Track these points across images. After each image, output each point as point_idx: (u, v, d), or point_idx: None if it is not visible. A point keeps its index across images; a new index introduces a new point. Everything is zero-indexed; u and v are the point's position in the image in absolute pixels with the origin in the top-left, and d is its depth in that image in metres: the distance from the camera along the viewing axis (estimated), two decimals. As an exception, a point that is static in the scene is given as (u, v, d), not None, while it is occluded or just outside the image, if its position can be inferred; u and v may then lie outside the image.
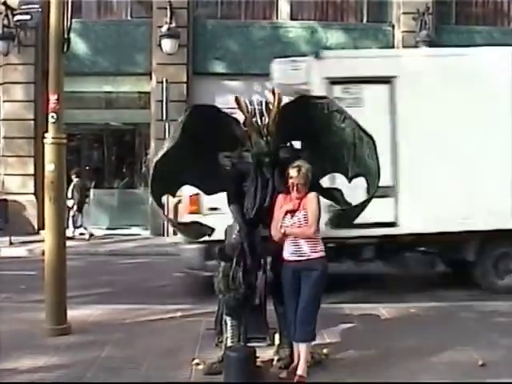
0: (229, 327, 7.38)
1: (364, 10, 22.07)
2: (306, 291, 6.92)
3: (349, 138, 7.41)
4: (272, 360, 7.38)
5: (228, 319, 7.40)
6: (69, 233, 19.19)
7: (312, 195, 7.06)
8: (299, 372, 6.83)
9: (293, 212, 7.04)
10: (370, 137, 7.28)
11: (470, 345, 8.12)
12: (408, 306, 10.30)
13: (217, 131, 7.33)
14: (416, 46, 20.33)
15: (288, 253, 7.07)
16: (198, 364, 7.29)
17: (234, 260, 7.24)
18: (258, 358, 7.10)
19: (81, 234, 19.84)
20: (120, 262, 16.16)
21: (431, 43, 20.23)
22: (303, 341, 6.97)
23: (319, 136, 7.54)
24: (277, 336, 7.70)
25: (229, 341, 7.36)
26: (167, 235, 20.40)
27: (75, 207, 19.77)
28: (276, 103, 7.23)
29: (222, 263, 7.36)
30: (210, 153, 7.41)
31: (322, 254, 7.06)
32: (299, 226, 6.99)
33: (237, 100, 7.29)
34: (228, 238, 7.64)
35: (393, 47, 21.35)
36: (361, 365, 7.37)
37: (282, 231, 6.99)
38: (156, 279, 13.63)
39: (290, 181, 6.98)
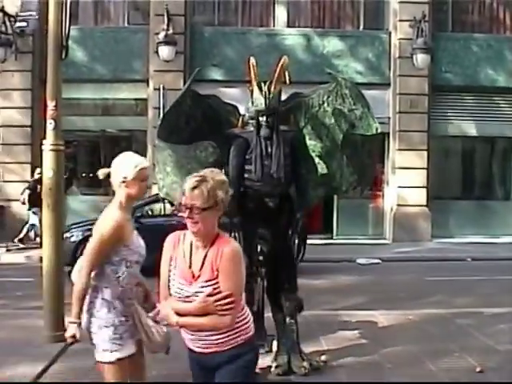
0: (227, 334, 7.36)
1: (361, 17, 22.10)
2: None
3: (337, 140, 7.55)
4: (270, 367, 7.37)
5: (226, 326, 7.37)
6: None
7: (230, 252, 4.06)
8: None
9: (191, 276, 4.15)
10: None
11: (468, 351, 8.12)
12: (405, 313, 10.30)
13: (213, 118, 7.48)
14: (413, 54, 20.39)
15: (187, 337, 4.30)
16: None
17: None
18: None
19: None
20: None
21: (428, 50, 20.29)
22: None
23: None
24: (275, 343, 7.69)
25: (227, 347, 7.33)
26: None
27: None
28: (279, 67, 7.35)
29: None
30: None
31: (244, 337, 4.25)
32: (205, 310, 4.06)
33: (249, 61, 7.39)
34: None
35: (389, 54, 21.43)
36: (359, 371, 7.37)
37: (174, 320, 4.15)
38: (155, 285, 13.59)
39: (183, 200, 4.09)
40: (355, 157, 7.56)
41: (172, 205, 7.52)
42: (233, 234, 7.36)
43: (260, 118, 7.19)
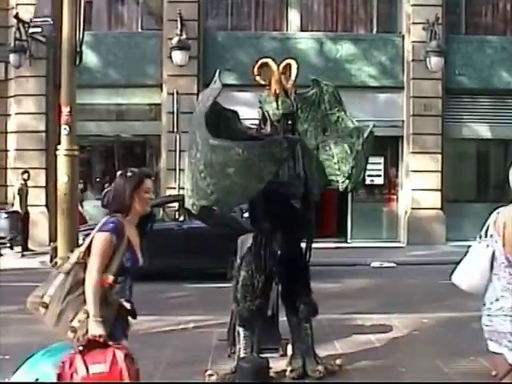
0: (241, 338, 7.37)
1: (374, 20, 22.08)
2: None
3: (309, 145, 7.56)
4: (285, 371, 7.36)
5: (241, 330, 7.39)
6: None
7: None
8: None
9: None
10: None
11: (484, 355, 8.07)
12: (421, 317, 10.28)
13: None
14: (426, 57, 20.34)
15: None
16: (210, 375, 7.26)
17: (253, 268, 7.25)
18: (270, 368, 7.10)
19: None
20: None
21: (441, 53, 20.23)
22: None
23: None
24: (289, 347, 7.69)
25: (241, 352, 7.34)
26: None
27: None
28: (294, 70, 7.37)
29: (242, 272, 7.35)
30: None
31: None
32: None
33: (264, 62, 7.45)
34: (240, 251, 7.65)
35: (403, 58, 21.39)
36: (373, 375, 7.35)
37: None
38: (168, 290, 13.63)
39: None
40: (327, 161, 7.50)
41: (227, 210, 7.20)
42: (258, 239, 7.34)
43: (285, 121, 7.22)
